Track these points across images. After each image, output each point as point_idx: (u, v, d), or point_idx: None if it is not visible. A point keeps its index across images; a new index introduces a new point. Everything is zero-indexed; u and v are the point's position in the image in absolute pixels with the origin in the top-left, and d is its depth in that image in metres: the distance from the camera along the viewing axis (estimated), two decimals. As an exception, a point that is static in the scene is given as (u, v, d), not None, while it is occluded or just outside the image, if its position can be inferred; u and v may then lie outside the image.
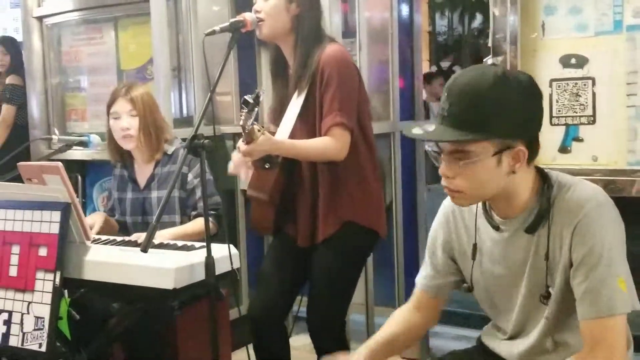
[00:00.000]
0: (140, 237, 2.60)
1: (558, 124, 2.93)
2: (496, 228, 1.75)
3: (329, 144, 2.43)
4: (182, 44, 3.78)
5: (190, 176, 2.82)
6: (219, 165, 3.50)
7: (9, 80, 4.91)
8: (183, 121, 3.67)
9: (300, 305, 2.95)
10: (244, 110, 2.27)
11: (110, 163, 3.10)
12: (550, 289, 1.69)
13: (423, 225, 3.82)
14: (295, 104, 2.50)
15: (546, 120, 2.93)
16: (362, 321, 3.58)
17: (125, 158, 2.97)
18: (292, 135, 2.49)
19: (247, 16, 2.38)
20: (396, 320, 1.93)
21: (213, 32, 2.32)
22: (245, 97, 2.30)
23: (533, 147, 1.65)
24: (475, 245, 1.80)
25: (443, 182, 1.67)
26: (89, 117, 4.23)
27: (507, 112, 1.59)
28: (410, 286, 3.67)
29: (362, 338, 3.48)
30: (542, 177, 1.71)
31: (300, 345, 2.76)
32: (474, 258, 1.80)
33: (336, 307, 2.60)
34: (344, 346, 2.62)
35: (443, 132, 1.61)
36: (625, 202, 1.73)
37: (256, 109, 2.32)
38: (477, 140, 1.59)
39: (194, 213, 2.80)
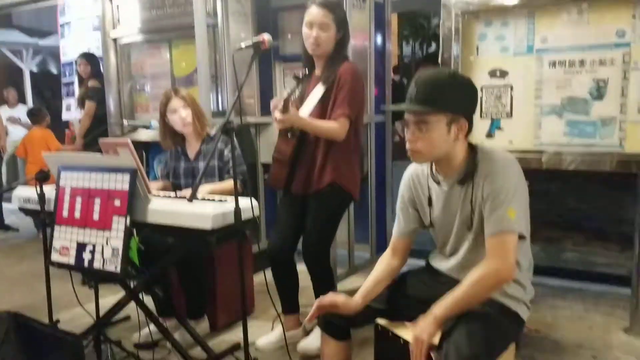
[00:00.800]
0: (187, 193, 2.63)
1: (485, 118, 2.96)
2: (438, 183, 1.80)
3: (335, 127, 2.44)
4: (218, 59, 3.76)
5: (225, 151, 2.83)
6: (245, 145, 3.54)
7: (91, 83, 4.90)
8: (218, 114, 3.67)
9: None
10: (292, 86, 2.32)
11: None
12: (472, 221, 1.73)
13: (390, 190, 3.84)
14: (318, 92, 2.50)
15: (477, 115, 2.97)
16: (345, 254, 3.61)
17: (177, 141, 2.95)
18: (312, 113, 2.50)
19: (266, 37, 2.32)
20: (381, 267, 1.92)
21: (240, 49, 2.30)
22: (295, 73, 2.34)
23: (470, 124, 1.71)
24: (429, 198, 1.84)
25: (407, 145, 1.71)
26: (150, 110, 4.25)
27: (456, 95, 1.66)
28: (379, 230, 3.75)
29: (345, 265, 3.55)
30: (471, 147, 1.76)
31: (301, 270, 2.78)
32: (430, 206, 1.84)
33: (322, 241, 2.59)
34: (329, 270, 2.64)
35: (416, 105, 1.67)
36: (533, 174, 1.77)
37: (300, 87, 2.35)
38: (435, 112, 1.64)
39: (227, 176, 2.82)
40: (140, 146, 3.92)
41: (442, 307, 1.64)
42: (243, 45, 2.29)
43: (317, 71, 2.56)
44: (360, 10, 3.38)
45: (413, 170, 1.90)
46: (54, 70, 11.18)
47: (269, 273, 2.70)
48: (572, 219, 5.24)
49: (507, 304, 1.75)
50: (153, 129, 2.97)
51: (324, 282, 2.59)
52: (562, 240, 4.67)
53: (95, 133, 3.09)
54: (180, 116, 2.84)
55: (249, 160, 3.15)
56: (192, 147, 2.92)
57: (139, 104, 4.35)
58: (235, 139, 2.29)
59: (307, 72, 2.41)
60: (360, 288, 1.87)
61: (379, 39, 3.79)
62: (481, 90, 2.96)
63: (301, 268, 2.70)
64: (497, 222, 1.64)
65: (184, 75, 4.03)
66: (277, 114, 2.37)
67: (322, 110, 2.50)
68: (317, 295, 2.62)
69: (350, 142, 2.53)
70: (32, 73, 9.79)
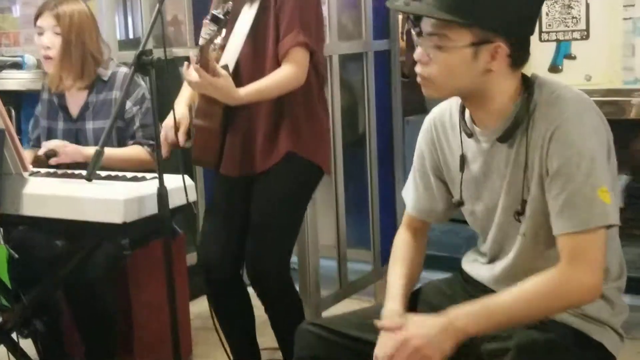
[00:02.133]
0: (49, 145, 2.64)
1: (548, 40, 2.95)
2: (470, 135, 1.78)
3: (290, 74, 2.40)
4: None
5: (129, 104, 2.78)
6: (169, 94, 3.46)
7: None
8: (128, 43, 3.61)
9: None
10: (212, 28, 2.22)
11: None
12: (525, 205, 1.70)
13: (400, 160, 3.78)
14: (246, 18, 2.45)
15: (535, 36, 2.94)
16: (333, 266, 3.57)
17: (54, 86, 2.89)
18: (242, 55, 2.46)
19: None
20: (405, 259, 1.92)
21: None
22: (213, 11, 2.25)
23: (518, 50, 1.66)
24: (462, 157, 1.81)
25: (416, 68, 1.70)
26: (22, 41, 4.14)
27: (500, 4, 1.62)
28: (386, 226, 3.73)
29: (333, 285, 3.53)
30: (525, 83, 1.72)
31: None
32: (462, 170, 1.82)
33: (277, 242, 2.57)
34: (290, 290, 2.64)
35: (427, 8, 1.63)
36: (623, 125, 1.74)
37: (224, 30, 2.27)
38: (455, 25, 1.61)
39: (131, 142, 2.78)
40: (7, 99, 3.81)
41: (470, 316, 1.61)
42: None
43: None
44: None
45: (437, 114, 1.89)
46: None
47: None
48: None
49: (584, 329, 1.73)
50: (27, 69, 2.91)
51: (287, 310, 2.60)
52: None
53: None
54: (42, 43, 2.79)
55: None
56: (74, 99, 2.87)
57: (3, 31, 4.25)
58: (152, 82, 2.24)
59: (230, 6, 2.32)
60: (390, 294, 1.84)
61: None
62: None
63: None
64: (582, 211, 1.59)
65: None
66: (190, 74, 2.29)
67: (257, 44, 2.46)
68: (279, 330, 2.63)
69: (311, 86, 2.52)
70: None
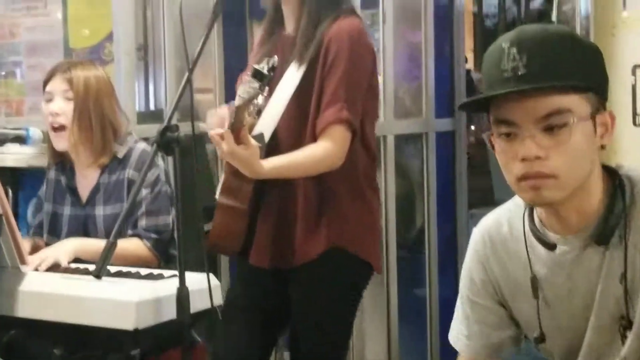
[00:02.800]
0: (43, 260, 2.57)
1: (645, 124, 2.96)
2: (552, 247, 1.74)
3: (325, 152, 2.44)
4: (150, 18, 3.80)
5: (138, 184, 2.78)
6: (192, 177, 3.52)
7: None
8: (150, 115, 3.68)
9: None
10: (254, 85, 2.23)
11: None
12: (630, 317, 1.67)
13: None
14: (292, 78, 2.50)
15: (628, 119, 2.97)
16: None
17: (65, 161, 2.95)
18: (283, 121, 2.51)
19: None
20: None
21: (193, -6, 2.34)
22: (256, 66, 2.26)
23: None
24: (534, 279, 1.77)
25: (529, 167, 1.59)
26: (25, 110, 4.25)
27: (594, 63, 1.65)
28: (447, 342, 3.68)
29: None
30: (609, 173, 1.72)
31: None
32: (536, 296, 1.78)
33: (326, 350, 2.59)
34: None
35: (532, 84, 1.58)
36: None
37: (266, 88, 2.30)
38: (574, 93, 1.58)
39: (130, 232, 2.78)
40: (5, 178, 3.90)
41: None
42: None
43: (288, 27, 2.61)
44: None
45: (490, 226, 1.85)
46: None
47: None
48: None
49: None
50: (32, 144, 2.97)
51: None
52: None
53: None
54: (50, 110, 2.81)
55: (199, 202, 3.15)
56: (85, 180, 2.91)
57: (6, 98, 4.38)
58: (176, 164, 2.28)
59: (275, 62, 2.36)
60: None
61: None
62: (634, 73, 2.97)
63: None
64: None
65: (86, 47, 4.06)
66: (222, 143, 2.30)
67: (302, 111, 2.52)
68: None
69: (358, 166, 2.56)
70: None
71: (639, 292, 1.66)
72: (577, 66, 1.60)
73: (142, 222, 2.78)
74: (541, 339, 1.81)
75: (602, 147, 1.64)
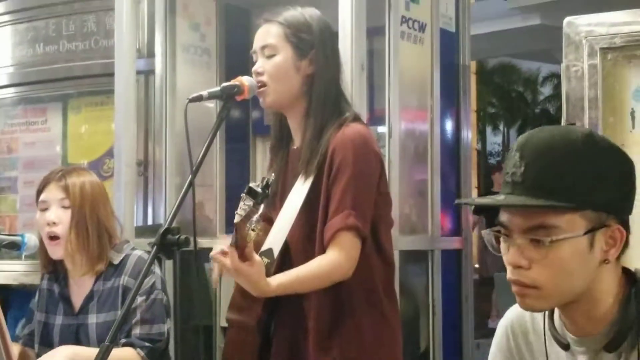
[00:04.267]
0: None
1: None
2: (566, 347, 1.75)
3: (333, 262, 2.40)
4: (152, 131, 3.87)
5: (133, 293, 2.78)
6: (195, 292, 3.52)
7: None
8: (148, 230, 3.70)
9: None
10: (248, 203, 2.21)
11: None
12: None
13: (472, 393, 3.78)
14: (299, 192, 2.52)
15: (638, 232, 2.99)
16: None
17: (59, 269, 2.95)
18: (291, 235, 2.51)
19: (246, 80, 2.41)
20: None
21: (200, 98, 2.37)
22: (251, 184, 2.25)
23: (627, 233, 1.66)
24: None
25: (511, 274, 1.65)
26: (18, 227, 4.30)
27: (600, 178, 1.63)
28: None
29: None
30: (628, 278, 1.72)
31: None
32: None
33: None
34: None
35: (519, 200, 1.63)
36: None
37: (262, 206, 2.27)
38: (567, 210, 1.61)
39: (123, 341, 2.73)
40: (-4, 294, 3.91)
41: None
42: (205, 92, 2.39)
43: (296, 142, 2.63)
44: (415, 46, 3.52)
45: (514, 319, 1.87)
46: None
47: None
48: None
49: None
50: (27, 251, 2.97)
51: None
52: None
53: None
54: (46, 219, 2.82)
55: (199, 318, 3.15)
56: (78, 287, 2.91)
57: (-1, 214, 4.42)
58: (176, 268, 2.29)
59: (271, 178, 2.39)
60: None
61: (448, 117, 3.91)
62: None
63: None
64: None
65: (87, 161, 4.15)
66: (225, 261, 2.26)
67: (311, 225, 2.52)
68: None
69: (375, 276, 2.53)
70: None
71: None
72: (577, 181, 1.61)
73: (136, 331, 2.74)
74: None
75: (606, 261, 1.63)
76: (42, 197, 2.87)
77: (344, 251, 2.41)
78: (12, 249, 2.96)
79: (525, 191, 1.62)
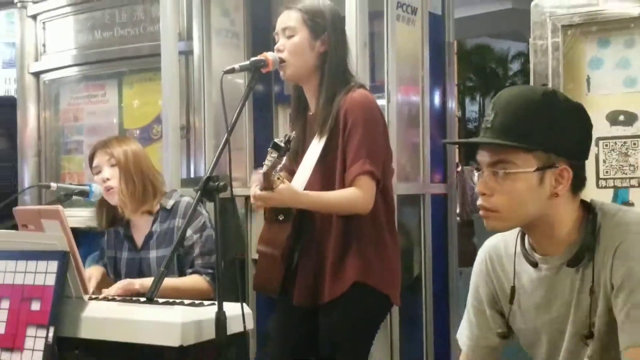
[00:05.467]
0: (125, 288, 2.64)
1: (606, 187, 2.97)
2: (534, 265, 1.77)
3: (356, 196, 2.45)
4: (194, 101, 3.86)
5: (189, 231, 2.83)
6: (229, 229, 3.54)
7: None
8: (190, 181, 3.72)
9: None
10: (273, 155, 2.29)
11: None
12: (593, 328, 1.69)
13: (455, 306, 3.79)
14: (315, 149, 2.54)
15: (592, 182, 2.99)
16: None
17: (117, 220, 3.01)
18: (309, 183, 2.53)
19: (270, 55, 2.45)
20: None
21: (232, 70, 2.41)
22: (276, 140, 2.32)
23: (579, 174, 1.70)
24: (513, 288, 1.80)
25: (479, 201, 1.72)
26: (85, 181, 4.29)
27: (554, 126, 1.67)
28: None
29: None
30: (586, 208, 1.74)
31: None
32: (511, 302, 1.81)
33: None
34: None
35: (486, 139, 1.70)
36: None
37: (284, 158, 2.34)
38: (520, 149, 1.66)
39: (189, 271, 2.82)
40: (68, 234, 3.95)
41: None
42: (237, 66, 2.43)
43: (312, 108, 2.65)
44: (408, 27, 3.50)
45: (491, 247, 1.89)
46: None
47: None
48: None
49: None
50: (94, 198, 3.00)
51: None
52: None
53: (5, 202, 3.06)
54: (101, 177, 2.91)
55: (232, 252, 3.16)
56: (139, 229, 2.97)
57: (68, 171, 4.44)
58: (216, 209, 2.30)
59: (292, 136, 2.43)
60: None
61: (437, 90, 3.89)
62: (597, 144, 3.00)
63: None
64: None
65: (139, 127, 4.15)
66: (254, 190, 2.39)
67: (326, 173, 2.55)
68: None
69: (378, 212, 2.55)
70: None
71: (598, 308, 1.68)
72: (534, 128, 1.66)
73: (198, 261, 2.82)
74: (504, 335, 1.85)
75: (555, 195, 1.67)
76: (94, 163, 2.96)
77: (363, 190, 2.46)
78: (82, 196, 3.05)
79: (493, 134, 1.68)
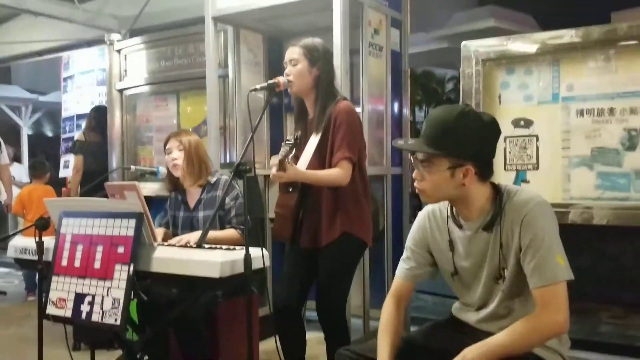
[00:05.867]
0: (183, 239, 2.63)
1: (510, 170, 2.99)
2: (459, 226, 1.77)
3: (338, 173, 2.45)
4: (228, 111, 3.86)
5: (227, 199, 2.83)
6: (253, 197, 3.54)
7: (77, 136, 4.86)
8: (226, 165, 3.72)
9: (306, 310, 2.95)
10: (286, 148, 2.33)
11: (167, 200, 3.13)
12: (504, 271, 1.70)
13: (407, 251, 3.79)
14: (313, 141, 2.53)
15: (501, 166, 3.01)
16: (359, 323, 3.45)
17: (179, 187, 2.99)
18: (309, 165, 2.52)
19: (281, 79, 2.45)
20: (390, 331, 1.82)
21: (255, 90, 2.40)
22: (288, 138, 2.40)
23: (483, 169, 1.69)
24: (450, 241, 1.80)
25: (415, 183, 1.73)
26: (155, 163, 4.32)
27: (462, 139, 1.65)
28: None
29: (359, 333, 3.40)
30: (495, 189, 1.74)
31: (311, 338, 2.74)
32: (452, 250, 1.80)
33: (339, 296, 2.56)
34: (345, 325, 2.61)
35: (417, 145, 1.70)
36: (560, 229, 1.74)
37: (293, 150, 2.39)
38: (436, 156, 1.66)
39: (228, 226, 2.82)
40: (142, 201, 3.95)
41: (476, 352, 1.59)
42: (259, 86, 2.41)
43: (310, 114, 2.62)
44: (376, 60, 3.49)
45: (430, 210, 1.87)
46: (49, 133, 11.45)
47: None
48: (608, 290, 5.12)
49: (543, 355, 1.69)
50: (160, 176, 3.01)
51: (340, 338, 2.55)
52: (598, 312, 4.57)
53: (93, 184, 3.06)
54: (171, 156, 2.91)
55: (255, 213, 3.16)
56: (192, 196, 2.95)
57: (142, 157, 4.44)
58: (245, 184, 2.33)
59: (299, 134, 2.47)
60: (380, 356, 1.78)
61: (396, 102, 3.85)
62: (504, 141, 3.01)
63: (310, 336, 2.65)
64: (548, 271, 1.59)
65: (191, 127, 4.13)
66: (273, 170, 2.40)
67: (320, 159, 2.53)
68: (330, 352, 2.57)
69: (357, 185, 2.54)
70: (28, 135, 10.00)
71: (510, 253, 1.68)
72: (447, 140, 1.64)
73: (234, 220, 2.79)
74: (454, 273, 1.83)
75: (463, 184, 1.67)
76: (168, 146, 2.92)
77: (343, 170, 2.45)
78: (152, 175, 3.04)
79: (423, 141, 1.68)
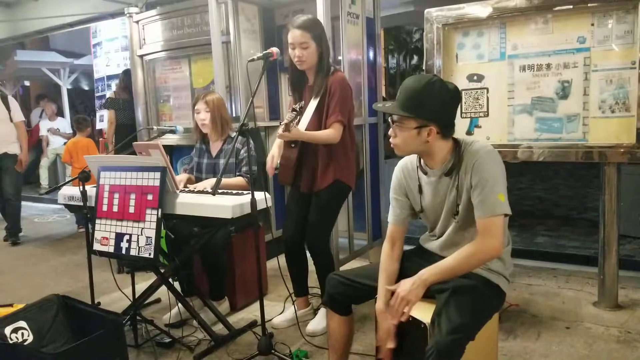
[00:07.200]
0: (205, 184, 2.63)
1: (465, 117, 2.97)
2: (425, 173, 1.78)
3: (330, 133, 2.43)
4: (232, 72, 3.74)
5: (241, 151, 2.81)
6: (256, 146, 3.50)
7: (108, 94, 4.85)
8: (233, 119, 3.63)
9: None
10: (292, 114, 2.32)
11: (187, 147, 3.08)
12: (458, 207, 1.72)
13: (383, 184, 3.79)
14: (312, 105, 2.48)
15: (458, 114, 2.97)
16: (346, 242, 3.51)
17: (204, 137, 2.95)
18: (309, 123, 2.48)
19: (274, 50, 2.35)
20: (388, 266, 1.82)
21: (252, 60, 2.31)
22: (294, 106, 2.38)
23: (444, 129, 1.67)
24: (419, 186, 1.81)
25: (390, 139, 1.72)
26: (174, 118, 4.24)
27: (426, 104, 1.63)
28: (374, 219, 3.72)
29: (346, 251, 3.49)
30: (456, 142, 1.74)
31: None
32: (420, 193, 1.81)
33: (323, 229, 2.58)
34: (330, 255, 2.62)
35: (391, 108, 1.67)
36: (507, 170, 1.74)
37: (299, 117, 2.37)
38: (405, 117, 1.64)
39: (237, 174, 2.80)
40: (166, 150, 3.91)
41: (430, 272, 1.63)
42: (255, 56, 2.32)
43: (310, 81, 2.56)
44: (354, 26, 3.37)
45: (403, 163, 1.88)
46: (86, 87, 11.19)
47: (281, 259, 2.70)
48: (543, 208, 5.22)
49: (489, 277, 1.74)
50: (178, 133, 2.97)
51: (326, 266, 2.59)
52: (535, 226, 4.69)
53: (124, 142, 3.04)
54: (200, 117, 2.85)
55: (260, 159, 3.14)
56: (214, 146, 2.92)
57: (163, 113, 4.35)
58: (248, 142, 2.31)
59: (302, 104, 2.40)
60: (380, 290, 1.78)
61: (371, 52, 3.76)
62: (460, 92, 2.95)
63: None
64: (489, 205, 1.61)
65: (201, 87, 4.03)
66: (279, 131, 2.35)
67: (318, 119, 2.49)
68: (320, 278, 2.62)
69: (346, 142, 2.53)
70: (67, 90, 9.78)
71: (463, 191, 1.70)
72: (415, 105, 1.62)
73: (243, 170, 2.77)
74: (421, 211, 1.85)
75: (428, 141, 1.66)
76: (197, 107, 2.86)
77: (335, 130, 2.42)
78: (171, 133, 3.01)
79: (397, 105, 1.65)
